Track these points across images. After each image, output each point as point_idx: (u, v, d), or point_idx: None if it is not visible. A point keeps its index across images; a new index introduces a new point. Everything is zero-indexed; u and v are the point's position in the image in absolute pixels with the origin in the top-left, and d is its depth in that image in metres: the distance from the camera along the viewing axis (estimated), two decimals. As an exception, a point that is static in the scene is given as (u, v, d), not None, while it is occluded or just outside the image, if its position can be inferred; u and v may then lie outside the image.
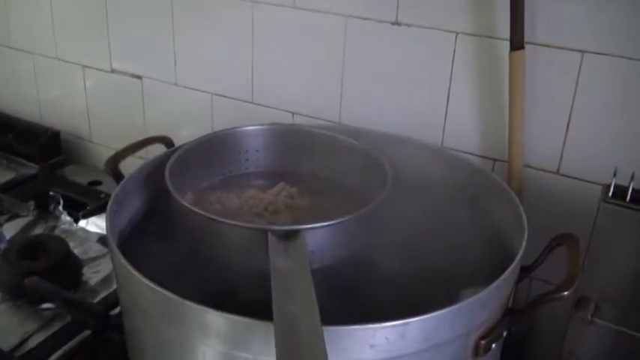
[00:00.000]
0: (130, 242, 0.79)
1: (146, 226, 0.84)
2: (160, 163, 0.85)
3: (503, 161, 0.99)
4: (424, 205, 0.82)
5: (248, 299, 0.66)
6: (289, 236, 0.71)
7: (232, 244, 0.73)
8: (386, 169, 0.83)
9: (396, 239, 0.79)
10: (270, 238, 0.70)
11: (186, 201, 0.76)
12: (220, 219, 0.72)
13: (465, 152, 1.02)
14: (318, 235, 0.73)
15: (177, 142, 0.93)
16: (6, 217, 1.26)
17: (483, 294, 0.66)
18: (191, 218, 0.75)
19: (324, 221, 0.73)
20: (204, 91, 1.26)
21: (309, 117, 1.16)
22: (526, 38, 0.91)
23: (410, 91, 1.04)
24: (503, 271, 0.69)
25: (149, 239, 0.79)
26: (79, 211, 1.21)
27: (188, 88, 1.28)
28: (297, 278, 0.62)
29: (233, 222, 0.72)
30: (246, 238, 0.72)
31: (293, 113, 1.17)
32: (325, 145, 0.92)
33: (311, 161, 0.93)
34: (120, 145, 0.91)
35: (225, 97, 1.24)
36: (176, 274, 0.73)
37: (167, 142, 0.95)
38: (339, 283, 0.73)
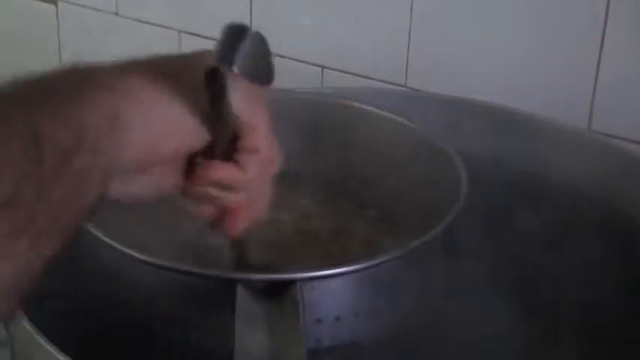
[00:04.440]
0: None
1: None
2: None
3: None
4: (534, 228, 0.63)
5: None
6: (275, 291, 0.52)
7: (172, 305, 0.54)
8: (458, 171, 0.61)
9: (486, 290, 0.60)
10: (241, 294, 0.51)
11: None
12: (144, 258, 0.51)
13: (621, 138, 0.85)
14: (329, 290, 0.53)
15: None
16: None
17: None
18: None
19: (343, 264, 0.52)
20: (168, 27, 1.10)
21: (348, 73, 0.97)
22: None
23: (542, 47, 0.85)
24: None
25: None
26: None
27: (139, 20, 1.13)
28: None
29: (167, 264, 0.51)
30: (196, 293, 0.53)
31: (322, 67, 0.97)
32: (359, 125, 0.72)
33: (329, 153, 0.72)
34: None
35: (201, 36, 1.07)
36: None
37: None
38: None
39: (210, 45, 1.11)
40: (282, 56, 1.00)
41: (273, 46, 1.01)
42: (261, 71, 0.43)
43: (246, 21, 1.01)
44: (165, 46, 1.14)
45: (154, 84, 0.38)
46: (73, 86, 0.36)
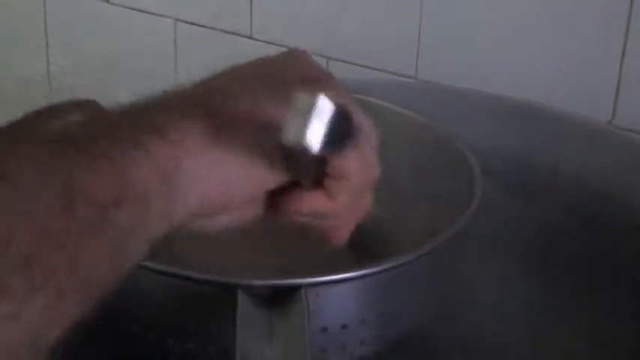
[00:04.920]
0: None
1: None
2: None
3: None
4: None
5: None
6: (278, 297, 0.50)
7: (169, 311, 0.51)
8: (473, 171, 0.59)
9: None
10: (242, 300, 0.49)
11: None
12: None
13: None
14: (335, 296, 0.50)
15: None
16: None
17: None
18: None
19: (350, 269, 0.49)
20: (162, 15, 1.09)
21: (355, 65, 0.95)
22: None
23: (562, 36, 0.82)
24: None
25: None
26: None
27: (131, 8, 1.12)
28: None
29: (165, 268, 0.48)
30: (195, 299, 0.50)
31: (328, 58, 0.96)
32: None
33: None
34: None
35: (198, 25, 1.05)
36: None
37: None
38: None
39: (207, 36, 1.06)
40: (285, 46, 0.94)
41: (276, 37, 0.98)
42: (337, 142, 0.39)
43: (246, 10, 1.00)
44: (159, 36, 1.12)
45: (219, 137, 0.34)
46: (122, 131, 0.32)
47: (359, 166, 0.38)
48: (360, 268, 0.49)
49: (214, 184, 0.35)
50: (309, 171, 0.38)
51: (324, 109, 0.34)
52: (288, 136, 0.34)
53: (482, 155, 0.60)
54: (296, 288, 0.48)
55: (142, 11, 1.12)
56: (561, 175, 0.69)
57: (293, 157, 0.36)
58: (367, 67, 0.96)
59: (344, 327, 0.50)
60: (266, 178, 0.37)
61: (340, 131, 0.35)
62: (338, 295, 0.50)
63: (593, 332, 0.59)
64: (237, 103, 0.36)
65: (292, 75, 0.38)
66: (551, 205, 0.65)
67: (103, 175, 0.30)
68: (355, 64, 0.96)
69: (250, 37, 1.04)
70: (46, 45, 1.26)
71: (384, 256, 0.53)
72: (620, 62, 0.82)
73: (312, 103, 0.34)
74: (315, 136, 0.33)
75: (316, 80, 0.39)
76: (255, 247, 0.63)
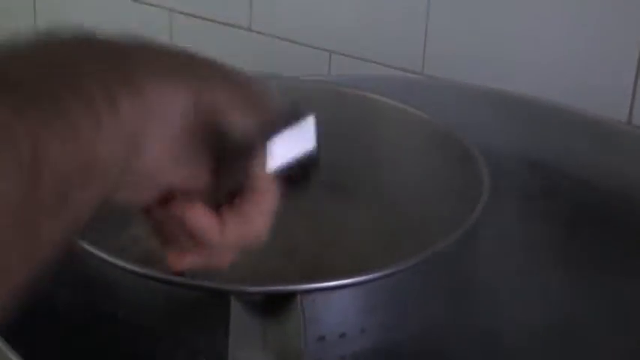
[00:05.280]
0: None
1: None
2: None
3: None
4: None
5: None
6: (272, 305, 0.48)
7: (160, 318, 0.49)
8: (481, 170, 0.57)
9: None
10: (235, 307, 0.47)
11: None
12: (130, 267, 0.46)
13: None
14: (333, 304, 0.49)
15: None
16: None
17: None
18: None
19: (349, 275, 0.47)
20: (158, 6, 1.09)
21: (358, 59, 0.94)
22: None
23: (575, 31, 0.80)
24: None
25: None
26: None
27: None
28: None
29: (155, 274, 0.46)
30: (187, 306, 0.49)
31: (330, 52, 0.93)
32: (370, 117, 0.68)
33: (334, 149, 0.66)
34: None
35: (194, 16, 1.05)
36: None
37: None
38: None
39: (204, 28, 1.06)
40: (285, 39, 0.99)
41: (276, 30, 0.97)
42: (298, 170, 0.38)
43: (245, 0, 0.99)
44: (156, 27, 1.10)
45: (193, 115, 0.32)
46: (92, 82, 0.28)
47: (264, 218, 0.36)
48: (360, 273, 0.47)
49: (159, 160, 0.32)
50: (225, 188, 0.37)
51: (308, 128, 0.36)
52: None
53: (489, 154, 0.59)
54: (291, 295, 0.46)
55: (136, 1, 1.11)
56: (571, 175, 0.68)
57: (229, 169, 0.35)
58: (371, 61, 0.95)
59: (342, 336, 0.49)
60: (200, 177, 0.35)
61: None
62: (336, 302, 0.49)
63: (604, 334, 0.58)
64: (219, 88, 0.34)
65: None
66: (562, 207, 0.63)
67: (70, 149, 0.27)
68: (358, 59, 0.95)
69: (249, 30, 1.03)
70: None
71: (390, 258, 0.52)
72: (638, 59, 0.80)
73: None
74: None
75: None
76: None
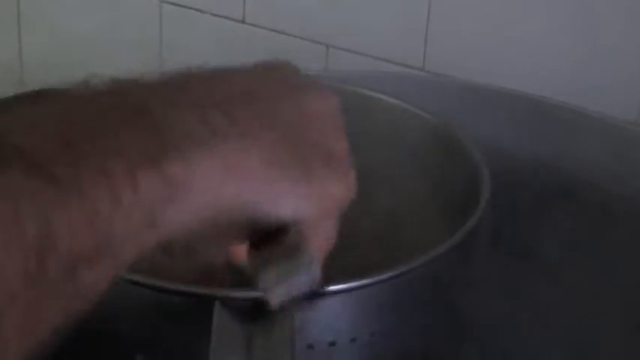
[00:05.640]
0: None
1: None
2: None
3: None
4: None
5: None
6: (259, 311, 0.44)
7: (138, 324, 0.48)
8: (480, 169, 0.55)
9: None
10: (219, 313, 0.45)
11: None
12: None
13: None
14: (323, 311, 0.46)
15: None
16: None
17: None
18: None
19: (339, 280, 0.45)
20: None
21: (356, 53, 0.93)
22: None
23: (584, 27, 0.78)
24: None
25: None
26: None
27: None
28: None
29: (132, 277, 0.44)
30: (167, 311, 0.47)
31: (327, 46, 0.92)
32: (369, 116, 0.65)
33: None
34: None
35: (185, 7, 1.03)
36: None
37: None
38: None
39: (195, 19, 1.06)
40: (280, 32, 0.97)
41: (270, 22, 0.96)
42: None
43: None
44: (144, 18, 1.09)
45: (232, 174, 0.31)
46: (117, 160, 0.27)
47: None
48: (351, 279, 0.45)
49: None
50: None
51: (307, 276, 0.35)
52: (256, 279, 0.34)
53: (491, 156, 0.58)
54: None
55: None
56: (579, 176, 0.66)
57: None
58: (370, 56, 0.93)
59: (332, 344, 0.47)
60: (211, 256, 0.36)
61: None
62: (326, 309, 0.46)
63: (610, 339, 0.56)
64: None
65: (280, 89, 0.35)
66: (567, 210, 0.62)
67: (77, 224, 0.25)
68: (356, 53, 0.94)
69: (243, 22, 1.01)
70: (17, 24, 1.22)
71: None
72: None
73: (299, 263, 0.34)
74: (279, 298, 0.35)
75: (304, 89, 0.36)
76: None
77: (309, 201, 0.34)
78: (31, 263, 0.24)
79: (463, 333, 0.52)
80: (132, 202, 0.27)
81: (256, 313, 0.46)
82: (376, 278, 0.45)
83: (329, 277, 0.48)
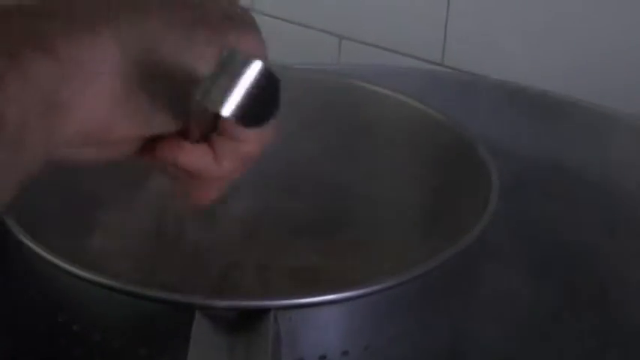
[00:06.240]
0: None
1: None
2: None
3: None
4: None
5: None
6: (243, 322, 0.43)
7: (116, 333, 0.44)
8: (489, 170, 0.52)
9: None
10: (199, 323, 0.42)
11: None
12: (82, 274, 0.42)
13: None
14: (312, 322, 0.43)
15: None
16: None
17: None
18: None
19: (330, 290, 0.43)
20: None
21: (371, 46, 0.90)
22: None
23: (605, 23, 0.76)
24: None
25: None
26: None
27: None
28: None
29: (108, 282, 0.42)
30: (145, 320, 0.43)
31: (340, 37, 0.91)
32: (381, 116, 0.63)
33: (339, 149, 0.63)
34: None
35: None
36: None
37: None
38: None
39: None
40: (290, 22, 0.96)
41: (280, 12, 0.93)
42: (259, 115, 0.34)
43: None
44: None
45: (127, 67, 0.30)
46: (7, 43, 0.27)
47: (256, 133, 0.34)
48: (343, 289, 0.42)
49: (99, 117, 0.30)
50: (202, 124, 0.34)
51: (253, 75, 0.30)
52: (205, 99, 0.30)
53: (504, 157, 0.55)
54: (264, 311, 0.42)
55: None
56: (595, 177, 0.63)
57: (194, 111, 0.32)
58: (386, 49, 0.91)
59: (322, 358, 0.44)
60: (158, 122, 0.33)
61: (261, 102, 0.31)
62: (316, 320, 0.44)
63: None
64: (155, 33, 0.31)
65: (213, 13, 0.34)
66: (579, 214, 0.59)
67: None
68: (372, 46, 0.92)
69: (252, 11, 0.95)
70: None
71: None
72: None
73: (242, 65, 0.30)
74: (234, 107, 0.30)
75: (237, 21, 0.35)
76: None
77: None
78: None
79: (462, 346, 0.50)
80: (19, 84, 0.27)
81: (238, 323, 0.43)
82: (370, 288, 0.43)
83: (321, 287, 0.47)
